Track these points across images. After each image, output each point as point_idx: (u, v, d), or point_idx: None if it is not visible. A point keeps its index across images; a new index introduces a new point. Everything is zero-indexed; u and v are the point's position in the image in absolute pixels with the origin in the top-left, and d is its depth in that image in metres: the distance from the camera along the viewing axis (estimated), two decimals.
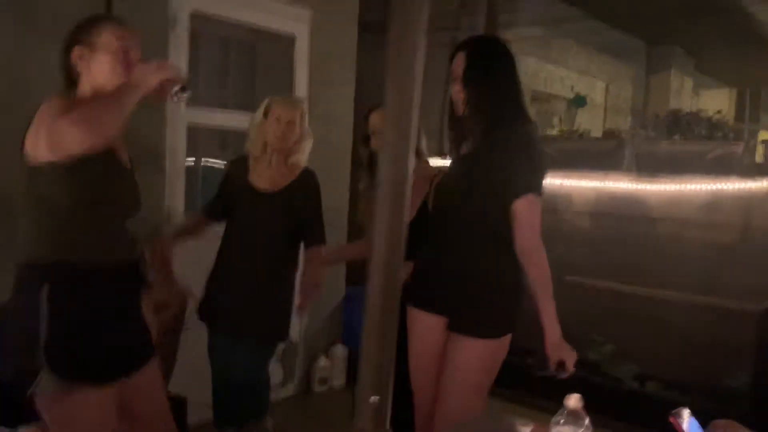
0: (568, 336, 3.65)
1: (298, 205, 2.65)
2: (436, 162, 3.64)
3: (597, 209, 3.73)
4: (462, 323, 2.04)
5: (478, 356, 2.03)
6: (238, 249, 2.66)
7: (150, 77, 1.65)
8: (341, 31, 3.92)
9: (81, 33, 1.73)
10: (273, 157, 2.64)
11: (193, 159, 3.69)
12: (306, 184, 2.70)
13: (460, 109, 2.05)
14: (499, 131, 1.98)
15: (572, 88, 6.08)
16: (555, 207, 3.35)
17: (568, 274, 3.82)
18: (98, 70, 1.72)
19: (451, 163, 2.17)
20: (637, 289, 3.64)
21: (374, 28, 4.56)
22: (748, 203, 2.98)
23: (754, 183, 3.04)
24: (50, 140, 1.55)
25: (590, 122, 5.64)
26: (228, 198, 2.70)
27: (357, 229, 3.87)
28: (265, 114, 2.65)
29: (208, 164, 3.83)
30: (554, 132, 4.41)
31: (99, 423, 1.69)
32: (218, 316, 2.67)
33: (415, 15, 0.81)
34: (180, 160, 3.19)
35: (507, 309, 2.07)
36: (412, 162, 0.84)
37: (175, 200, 3.18)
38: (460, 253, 2.05)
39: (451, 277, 2.06)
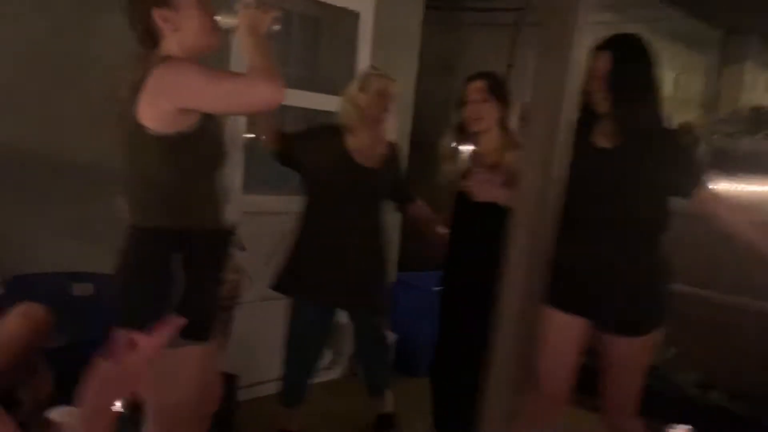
0: None
1: (392, 177, 2.82)
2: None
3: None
4: (619, 324, 2.11)
5: (639, 353, 2.16)
6: (346, 220, 2.69)
7: (262, 19, 1.69)
8: (407, 9, 3.81)
9: None
10: (369, 130, 2.70)
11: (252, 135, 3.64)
12: (395, 156, 2.88)
13: (599, 105, 2.09)
14: (651, 129, 2.04)
15: None
16: None
17: None
18: (189, 28, 1.68)
19: (578, 157, 2.05)
20: (706, 293, 3.45)
21: (440, 5, 4.44)
22: None
23: None
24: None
25: None
26: (309, 156, 2.70)
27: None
28: (362, 87, 2.70)
29: None
30: None
31: (200, 376, 1.78)
32: (324, 289, 2.72)
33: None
34: (238, 136, 3.14)
35: (660, 303, 2.14)
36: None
37: (234, 177, 3.14)
38: (609, 250, 2.06)
39: (600, 276, 2.08)
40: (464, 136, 2.57)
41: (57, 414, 1.53)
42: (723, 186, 3.11)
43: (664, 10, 5.66)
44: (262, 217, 3.09)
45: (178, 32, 1.68)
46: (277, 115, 2.69)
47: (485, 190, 2.33)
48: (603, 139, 2.11)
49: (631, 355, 2.15)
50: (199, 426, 1.94)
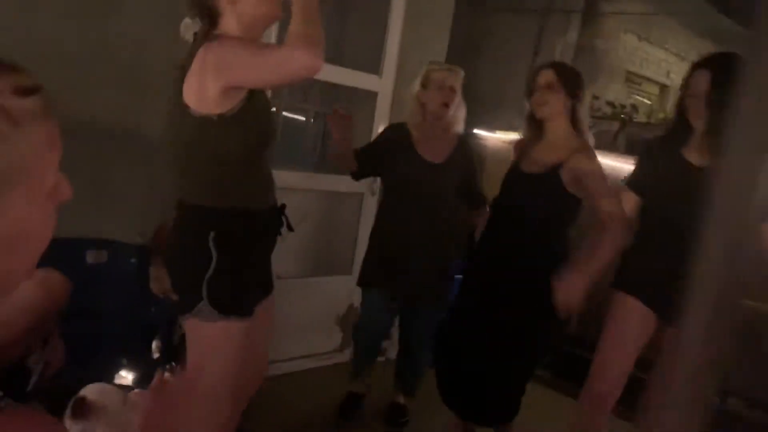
0: None
1: (461, 172, 2.80)
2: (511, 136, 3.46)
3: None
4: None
5: None
6: (413, 215, 2.74)
7: None
8: None
9: None
10: (434, 126, 2.74)
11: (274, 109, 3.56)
12: (466, 151, 2.86)
13: (695, 122, 2.16)
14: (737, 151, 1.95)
15: (668, 73, 5.68)
16: None
17: None
18: (246, 8, 1.65)
19: (666, 166, 2.26)
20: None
21: None
22: None
23: None
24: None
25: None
26: (384, 161, 2.76)
27: None
28: (423, 84, 2.73)
29: (288, 117, 3.69)
30: (653, 119, 4.11)
31: (237, 351, 1.79)
32: (400, 280, 2.81)
33: None
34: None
35: None
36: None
37: None
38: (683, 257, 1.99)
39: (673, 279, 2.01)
40: (533, 127, 2.47)
41: (92, 392, 1.46)
42: None
43: (695, 5, 5.53)
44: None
45: (236, 4, 1.64)
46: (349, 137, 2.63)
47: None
48: (696, 155, 2.18)
49: None
50: (237, 405, 1.95)
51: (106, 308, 2.40)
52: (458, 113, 2.80)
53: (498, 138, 4.40)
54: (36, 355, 1.75)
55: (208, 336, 1.77)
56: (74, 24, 2.42)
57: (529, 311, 2.33)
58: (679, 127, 2.21)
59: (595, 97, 4.09)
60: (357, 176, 2.83)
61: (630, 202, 2.35)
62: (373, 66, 3.48)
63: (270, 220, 1.90)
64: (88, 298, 2.14)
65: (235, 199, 1.76)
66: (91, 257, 2.42)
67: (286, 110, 3.63)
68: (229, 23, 1.67)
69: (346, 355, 3.68)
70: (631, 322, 2.30)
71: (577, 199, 2.34)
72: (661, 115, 3.94)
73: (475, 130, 4.24)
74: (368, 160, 2.75)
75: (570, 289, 2.13)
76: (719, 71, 2.06)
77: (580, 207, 2.38)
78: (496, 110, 4.28)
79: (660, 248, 2.23)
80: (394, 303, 2.95)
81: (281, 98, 3.46)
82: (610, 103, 3.85)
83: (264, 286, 1.97)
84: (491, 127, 4.38)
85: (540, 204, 2.36)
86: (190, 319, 1.77)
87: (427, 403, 2.97)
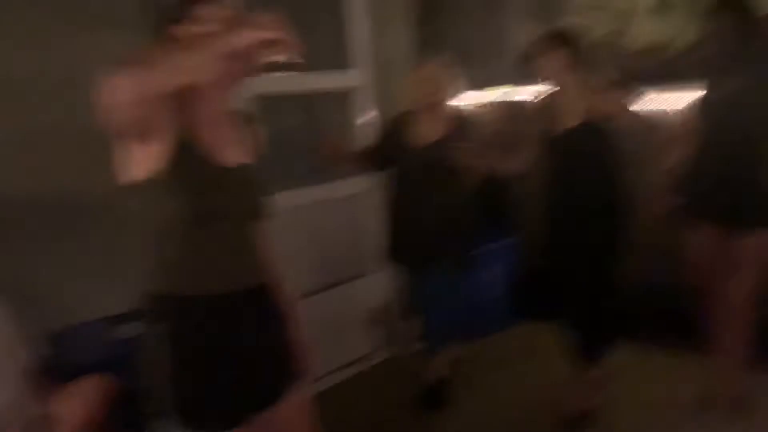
0: None
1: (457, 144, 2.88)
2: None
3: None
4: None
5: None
6: (414, 196, 2.94)
7: (237, 35, 1.27)
8: None
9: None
10: (428, 113, 2.92)
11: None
12: (462, 124, 2.99)
13: None
14: None
15: None
16: None
17: None
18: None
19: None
20: None
21: None
22: None
23: None
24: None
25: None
26: (390, 151, 2.97)
27: None
28: (416, 75, 2.95)
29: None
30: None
31: None
32: (408, 252, 3.04)
33: None
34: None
35: None
36: None
37: None
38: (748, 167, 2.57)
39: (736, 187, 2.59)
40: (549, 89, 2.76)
41: None
42: None
43: None
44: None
45: None
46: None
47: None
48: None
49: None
50: None
51: None
52: (447, 93, 2.97)
53: (483, 95, 4.30)
54: None
55: None
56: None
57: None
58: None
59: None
60: (369, 169, 3.13)
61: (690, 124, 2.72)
62: (345, 61, 3.37)
63: (247, 304, 1.51)
64: (126, 374, 2.06)
65: (182, 283, 1.43)
66: (122, 332, 2.34)
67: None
68: None
69: (383, 355, 3.66)
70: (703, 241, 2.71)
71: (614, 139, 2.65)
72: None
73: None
74: (375, 155, 3.02)
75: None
76: None
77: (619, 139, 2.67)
78: (473, 68, 4.16)
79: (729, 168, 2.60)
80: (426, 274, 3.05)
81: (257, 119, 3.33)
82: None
83: (273, 380, 1.59)
84: (476, 85, 4.27)
85: (588, 153, 2.66)
86: None
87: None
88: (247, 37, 1.27)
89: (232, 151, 1.50)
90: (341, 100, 3.43)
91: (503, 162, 3.01)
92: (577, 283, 2.79)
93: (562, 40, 2.68)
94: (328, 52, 3.35)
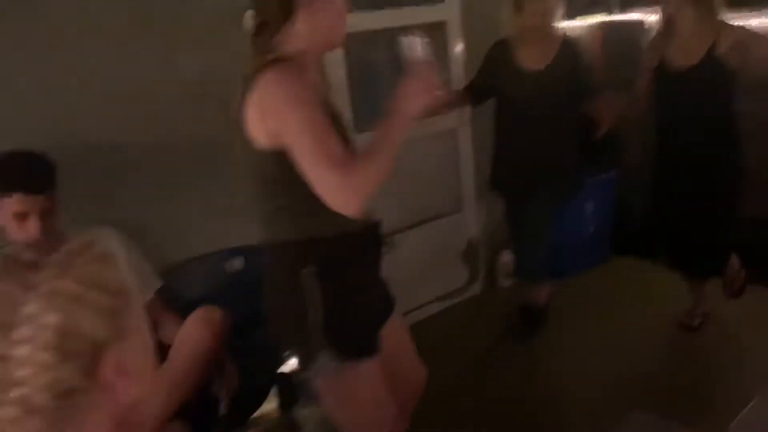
0: None
1: (568, 71, 2.85)
2: None
3: None
4: None
5: None
6: (526, 125, 2.89)
7: (414, 106, 1.43)
8: None
9: None
10: (534, 38, 2.82)
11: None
12: (570, 50, 2.90)
13: None
14: None
15: None
16: None
17: None
18: (323, 22, 1.46)
19: None
20: None
21: None
22: None
23: None
24: (315, 176, 1.38)
25: None
26: (492, 81, 2.93)
27: None
28: (517, 7, 2.78)
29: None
30: None
31: (382, 394, 1.65)
32: (518, 182, 3.02)
33: None
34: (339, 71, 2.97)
35: None
36: None
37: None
38: None
39: None
40: (667, 25, 2.66)
41: None
42: None
43: None
44: None
45: (312, 17, 1.45)
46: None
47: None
48: None
49: None
50: (400, 419, 1.83)
51: (253, 316, 2.47)
52: (555, 16, 2.85)
53: (577, 26, 4.11)
54: (216, 384, 1.87)
55: (345, 390, 1.60)
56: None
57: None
58: None
59: None
60: (475, 103, 3.10)
61: None
62: None
63: (368, 240, 1.65)
64: (232, 308, 2.24)
65: (323, 228, 1.51)
66: (229, 267, 2.49)
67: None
68: (296, 33, 1.46)
69: (477, 288, 3.71)
70: None
71: (734, 71, 2.52)
72: None
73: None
74: (481, 86, 2.98)
75: None
76: None
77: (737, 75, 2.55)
78: None
79: None
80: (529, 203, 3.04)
81: (351, 54, 3.36)
82: None
83: (385, 307, 1.76)
84: (566, 15, 4.08)
85: (709, 91, 2.57)
86: (318, 379, 1.61)
87: None
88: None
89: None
90: (439, 31, 3.38)
91: (630, 106, 2.97)
92: (689, 225, 2.80)
93: None
94: None
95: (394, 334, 1.77)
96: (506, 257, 3.75)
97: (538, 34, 2.81)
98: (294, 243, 1.54)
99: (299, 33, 1.46)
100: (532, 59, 2.85)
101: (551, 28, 2.85)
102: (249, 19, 2.72)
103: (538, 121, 2.87)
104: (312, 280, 1.51)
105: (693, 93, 2.61)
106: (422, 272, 3.39)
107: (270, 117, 1.39)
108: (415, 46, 1.45)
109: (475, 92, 3.03)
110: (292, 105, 1.37)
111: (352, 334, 1.57)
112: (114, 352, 0.66)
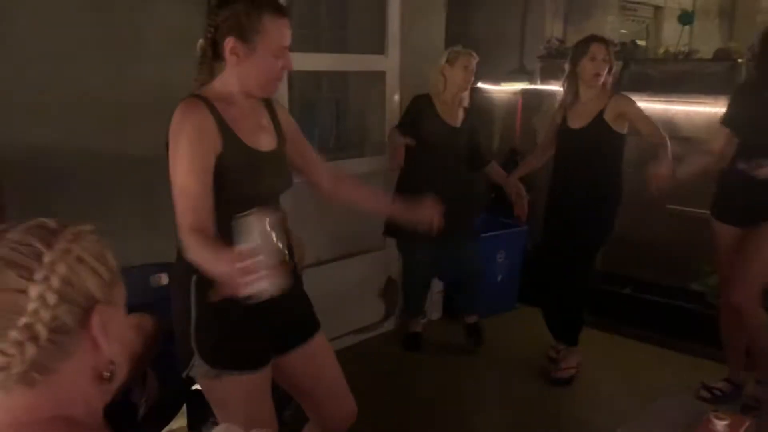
0: (673, 265, 3.60)
1: (470, 137, 3.39)
2: None
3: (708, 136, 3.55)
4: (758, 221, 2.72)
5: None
6: (440, 170, 3.24)
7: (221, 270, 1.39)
8: None
9: (241, 20, 1.57)
10: (453, 97, 3.30)
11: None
12: (476, 117, 3.47)
13: None
14: None
15: None
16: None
17: (671, 203, 3.70)
18: (251, 70, 1.61)
19: (755, 106, 2.70)
20: None
21: None
22: None
23: None
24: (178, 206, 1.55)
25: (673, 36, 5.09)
26: (415, 127, 3.27)
27: None
28: (450, 62, 3.27)
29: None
30: (651, 54, 4.11)
31: (255, 402, 1.71)
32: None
33: None
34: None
35: None
36: None
37: None
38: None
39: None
40: (573, 89, 3.05)
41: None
42: None
43: None
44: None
45: (239, 68, 1.62)
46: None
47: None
48: None
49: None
50: None
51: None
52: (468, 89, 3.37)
53: (502, 90, 4.46)
54: (137, 391, 1.92)
55: (215, 396, 1.69)
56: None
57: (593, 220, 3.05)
58: (762, 71, 2.69)
59: None
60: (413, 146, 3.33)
61: (723, 136, 2.81)
62: (378, 47, 3.54)
63: None
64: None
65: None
66: (154, 281, 2.54)
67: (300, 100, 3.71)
68: (226, 72, 1.64)
69: (392, 324, 3.88)
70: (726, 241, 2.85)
71: (621, 135, 2.98)
72: (661, 50, 3.96)
73: (479, 84, 4.29)
74: (407, 131, 3.29)
75: (663, 171, 2.68)
76: None
77: (624, 141, 3.01)
78: (496, 63, 4.32)
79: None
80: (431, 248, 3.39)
81: (293, 90, 3.53)
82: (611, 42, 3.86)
83: (289, 326, 1.80)
84: (494, 80, 4.44)
85: (590, 148, 3.00)
86: (197, 379, 1.70)
87: None
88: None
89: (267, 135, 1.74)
90: (379, 79, 3.62)
91: (534, 159, 3.42)
92: (561, 271, 3.17)
93: (606, 44, 2.99)
94: (369, 38, 3.53)
95: (318, 358, 1.86)
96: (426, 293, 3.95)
97: (457, 97, 3.32)
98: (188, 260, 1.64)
99: (227, 77, 1.64)
100: (451, 116, 3.33)
101: (466, 94, 3.36)
102: (201, 46, 2.86)
103: (448, 169, 3.29)
104: (195, 287, 1.62)
105: (582, 148, 3.04)
106: (343, 304, 3.53)
107: (170, 140, 1.59)
108: (258, 226, 1.35)
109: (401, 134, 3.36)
110: (181, 141, 1.55)
111: (222, 345, 1.65)
112: (101, 309, 0.83)
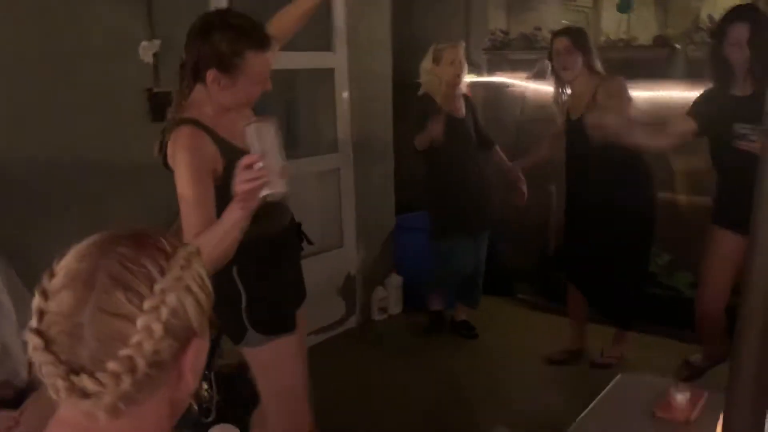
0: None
1: (474, 123, 3.45)
2: None
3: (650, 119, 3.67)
4: None
5: None
6: (464, 162, 3.36)
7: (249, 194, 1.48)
8: None
9: (224, 56, 1.64)
10: (451, 91, 3.32)
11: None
12: (472, 104, 3.50)
13: (736, 64, 2.57)
14: None
15: None
16: None
17: None
18: (231, 97, 1.70)
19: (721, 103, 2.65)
20: (692, 199, 3.63)
21: None
22: None
23: None
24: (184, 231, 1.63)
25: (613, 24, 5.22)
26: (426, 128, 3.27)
27: (403, 157, 3.82)
28: (436, 61, 3.31)
29: None
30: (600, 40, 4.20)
31: (299, 363, 1.98)
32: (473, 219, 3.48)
33: None
34: None
35: None
36: None
37: None
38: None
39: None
40: (561, 82, 3.09)
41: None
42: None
43: None
44: None
45: (220, 93, 1.68)
46: None
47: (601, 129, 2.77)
48: (739, 89, 2.62)
49: None
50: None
51: None
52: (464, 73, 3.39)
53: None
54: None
55: (267, 359, 1.91)
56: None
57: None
58: (722, 68, 2.62)
59: (537, 29, 4.19)
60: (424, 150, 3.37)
61: (688, 125, 2.74)
62: (324, 43, 3.52)
63: (288, 240, 2.02)
64: None
65: (248, 233, 1.68)
66: None
67: None
68: (204, 95, 1.71)
69: (353, 321, 3.88)
70: (725, 250, 2.74)
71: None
72: (602, 38, 4.06)
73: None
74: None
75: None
76: (754, 22, 2.50)
77: None
78: None
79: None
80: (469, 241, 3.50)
81: None
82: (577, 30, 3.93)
83: (298, 294, 2.11)
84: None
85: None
86: (244, 348, 1.91)
87: None
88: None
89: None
90: (328, 77, 3.59)
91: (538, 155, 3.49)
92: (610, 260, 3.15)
93: (568, 35, 3.03)
94: (315, 35, 3.50)
95: (302, 320, 2.07)
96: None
97: (454, 88, 3.33)
98: None
99: (211, 95, 1.70)
100: (455, 108, 3.35)
101: (463, 84, 3.40)
102: (144, 49, 2.79)
103: (468, 161, 3.37)
104: (237, 276, 1.82)
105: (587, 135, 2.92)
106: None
107: (173, 162, 1.68)
108: (263, 133, 1.48)
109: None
110: (183, 168, 1.65)
111: (270, 316, 1.90)
112: (196, 343, 0.78)
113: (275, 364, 1.93)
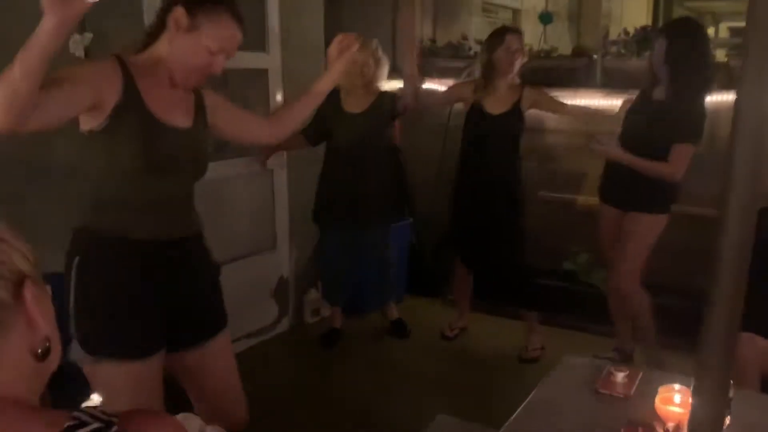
0: (547, 248, 3.87)
1: (382, 118, 3.45)
2: None
3: (570, 127, 3.87)
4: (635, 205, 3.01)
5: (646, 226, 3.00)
6: (346, 159, 3.39)
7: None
8: None
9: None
10: (363, 88, 3.36)
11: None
12: (384, 101, 3.45)
13: (659, 73, 2.91)
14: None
15: None
16: (528, 125, 3.44)
17: (541, 189, 4.00)
18: (185, 49, 1.59)
19: (642, 105, 3.03)
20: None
21: None
22: (715, 116, 3.15)
23: (720, 97, 3.21)
24: None
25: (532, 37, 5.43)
26: (324, 122, 3.33)
27: None
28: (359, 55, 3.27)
29: None
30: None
31: (140, 394, 1.62)
32: (345, 217, 3.48)
33: None
34: None
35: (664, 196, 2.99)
36: None
37: None
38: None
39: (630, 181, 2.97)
40: (489, 78, 3.27)
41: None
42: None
43: None
44: None
45: (174, 41, 1.59)
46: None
47: None
48: (658, 94, 2.94)
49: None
50: None
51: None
52: (378, 72, 3.40)
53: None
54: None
55: (94, 381, 1.61)
56: None
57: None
58: (650, 77, 2.98)
59: (464, 38, 4.33)
60: (312, 144, 3.48)
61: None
62: (258, 44, 3.51)
63: (166, 251, 1.67)
64: None
65: (110, 224, 1.59)
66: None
67: None
68: (161, 48, 1.63)
69: (285, 324, 3.85)
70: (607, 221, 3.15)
71: (524, 122, 3.33)
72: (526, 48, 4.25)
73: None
74: (317, 128, 3.34)
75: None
76: (673, 37, 2.83)
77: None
78: None
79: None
80: (350, 236, 3.55)
81: None
82: (479, 42, 4.10)
83: (191, 325, 1.77)
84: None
85: (508, 133, 3.32)
86: (78, 362, 1.62)
87: None
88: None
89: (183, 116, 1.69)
90: (261, 78, 3.57)
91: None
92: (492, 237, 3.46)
93: (520, 35, 3.26)
94: (249, 35, 3.46)
95: (219, 360, 1.84)
96: (313, 295, 3.96)
97: (359, 85, 3.36)
98: (74, 229, 1.63)
99: (159, 47, 1.63)
100: (354, 104, 3.38)
101: (369, 82, 3.39)
102: (75, 43, 2.69)
103: (360, 157, 3.38)
104: (75, 269, 1.58)
105: (498, 132, 3.34)
106: (235, 309, 3.43)
107: None
108: None
109: (310, 135, 3.41)
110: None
111: (100, 331, 1.60)
112: (32, 284, 0.80)
113: (105, 391, 1.58)
